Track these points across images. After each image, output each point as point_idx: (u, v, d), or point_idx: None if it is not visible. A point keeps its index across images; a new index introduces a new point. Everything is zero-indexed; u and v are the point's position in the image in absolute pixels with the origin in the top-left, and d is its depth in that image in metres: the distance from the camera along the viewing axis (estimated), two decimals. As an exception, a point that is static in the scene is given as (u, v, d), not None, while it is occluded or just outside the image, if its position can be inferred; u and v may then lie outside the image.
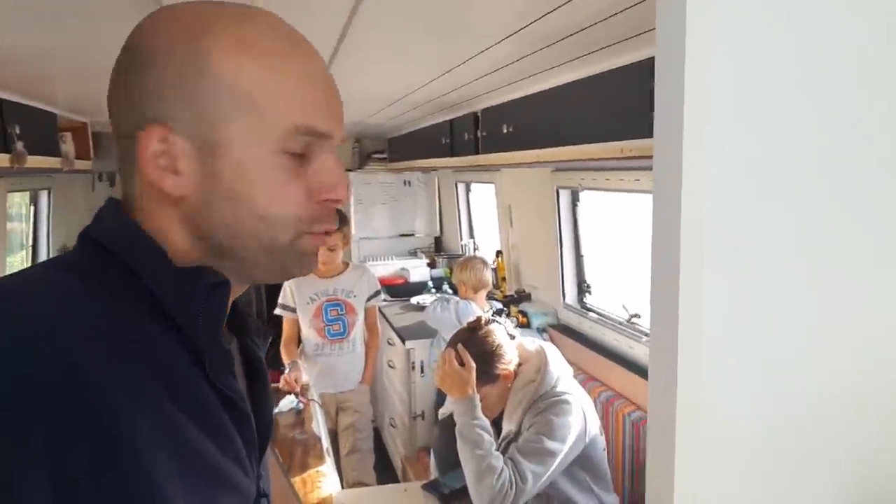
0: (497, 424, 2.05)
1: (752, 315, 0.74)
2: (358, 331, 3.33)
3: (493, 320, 2.10)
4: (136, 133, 0.61)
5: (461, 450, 1.88)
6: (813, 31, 0.71)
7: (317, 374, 3.26)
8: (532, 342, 2.14)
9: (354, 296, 3.30)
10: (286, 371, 3.06)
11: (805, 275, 0.75)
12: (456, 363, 1.96)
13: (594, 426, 2.02)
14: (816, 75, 0.72)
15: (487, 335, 2.03)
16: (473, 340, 2.01)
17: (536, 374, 2.00)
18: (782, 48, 0.70)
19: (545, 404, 1.94)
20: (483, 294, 3.39)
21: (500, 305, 3.49)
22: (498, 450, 1.92)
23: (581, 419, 1.95)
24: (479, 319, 2.11)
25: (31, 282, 0.61)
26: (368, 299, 3.36)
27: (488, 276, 3.40)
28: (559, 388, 1.98)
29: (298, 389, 2.95)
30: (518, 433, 1.96)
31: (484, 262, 3.44)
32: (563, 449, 1.89)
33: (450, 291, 4.27)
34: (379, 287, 3.48)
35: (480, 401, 1.96)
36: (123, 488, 0.53)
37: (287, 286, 3.29)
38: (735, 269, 0.72)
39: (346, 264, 3.37)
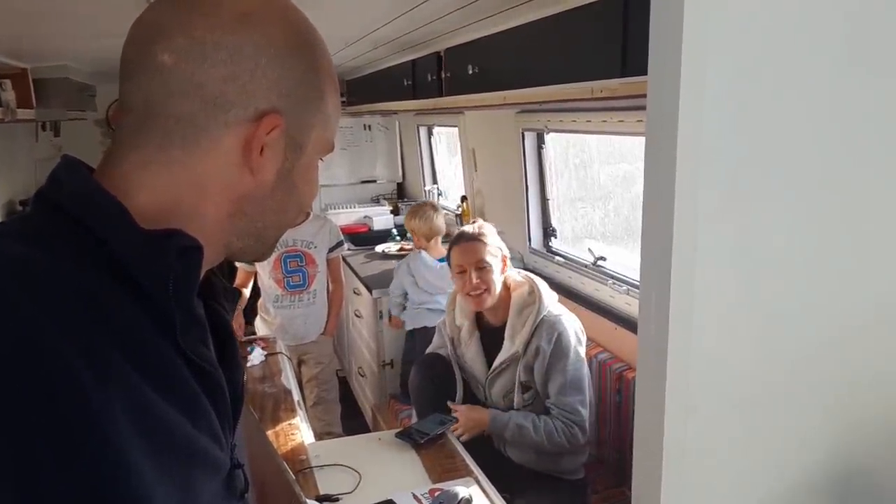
0: (498, 340, 2.22)
1: (744, 258, 0.72)
2: (319, 282, 3.28)
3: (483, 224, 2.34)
4: (252, 115, 0.64)
5: (521, 442, 2.13)
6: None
7: (277, 325, 3.22)
8: (517, 272, 2.32)
9: (315, 247, 3.24)
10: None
11: (798, 218, 0.73)
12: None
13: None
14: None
15: (480, 228, 2.29)
16: (467, 233, 2.27)
17: (531, 295, 2.19)
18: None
19: (555, 333, 2.11)
20: (437, 241, 3.24)
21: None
22: (499, 368, 2.19)
23: (574, 334, 2.16)
24: (474, 222, 2.36)
25: None
26: (331, 250, 3.31)
27: (440, 222, 3.25)
28: (555, 311, 2.17)
29: (242, 334, 2.93)
30: (524, 354, 2.14)
31: (434, 208, 3.29)
32: (586, 369, 2.14)
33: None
34: (341, 238, 3.41)
35: (478, 294, 2.18)
36: (92, 474, 0.50)
37: None
38: (728, 211, 0.69)
39: (307, 214, 3.30)
